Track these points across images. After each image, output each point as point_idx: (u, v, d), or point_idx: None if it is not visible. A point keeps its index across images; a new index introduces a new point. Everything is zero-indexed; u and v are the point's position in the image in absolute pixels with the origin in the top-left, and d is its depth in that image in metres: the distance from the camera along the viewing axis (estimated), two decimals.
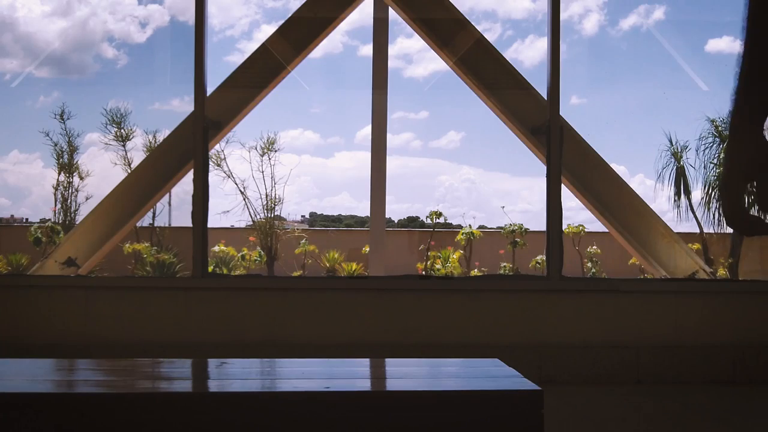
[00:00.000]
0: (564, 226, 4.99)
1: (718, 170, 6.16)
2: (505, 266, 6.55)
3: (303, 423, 1.87)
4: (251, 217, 6.35)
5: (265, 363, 2.80)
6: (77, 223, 5.95)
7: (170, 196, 6.08)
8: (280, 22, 5.40)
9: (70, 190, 6.33)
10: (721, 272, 5.79)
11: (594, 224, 5.91)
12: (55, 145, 6.34)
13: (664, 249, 5.30)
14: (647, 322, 4.65)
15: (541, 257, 6.24)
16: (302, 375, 2.28)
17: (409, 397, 1.96)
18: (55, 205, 6.35)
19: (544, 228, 4.80)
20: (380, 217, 5.69)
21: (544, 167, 4.80)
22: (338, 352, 4.33)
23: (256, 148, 6.30)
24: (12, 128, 7.19)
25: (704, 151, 6.24)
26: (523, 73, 5.28)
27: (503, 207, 7.02)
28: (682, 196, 6.19)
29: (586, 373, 4.58)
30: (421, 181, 8.18)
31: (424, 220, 6.53)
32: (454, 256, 6.41)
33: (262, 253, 6.29)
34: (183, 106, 5.20)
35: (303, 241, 6.47)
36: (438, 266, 6.27)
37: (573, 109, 6.70)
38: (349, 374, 2.42)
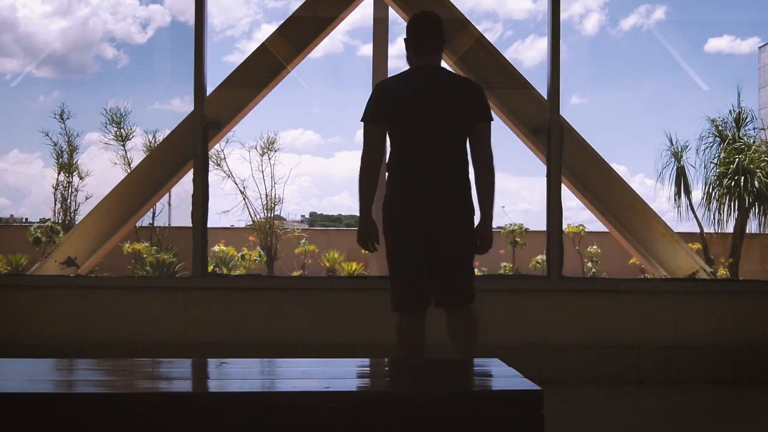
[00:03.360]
0: (564, 226, 4.99)
1: (718, 170, 6.16)
2: (505, 266, 6.55)
3: (303, 423, 1.87)
4: (251, 217, 6.36)
5: (265, 363, 2.80)
6: (77, 222, 5.95)
7: (170, 195, 6.08)
8: (281, 22, 5.39)
9: (69, 190, 6.33)
10: (722, 272, 5.79)
11: (594, 224, 5.91)
12: (55, 144, 6.34)
13: (664, 249, 5.30)
14: (647, 322, 4.65)
15: (541, 257, 6.23)
16: (302, 375, 2.27)
17: (409, 397, 1.95)
18: (55, 205, 6.35)
19: (544, 228, 4.80)
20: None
21: (544, 167, 4.79)
22: (338, 352, 4.32)
23: (256, 148, 6.30)
24: (12, 128, 7.19)
25: (704, 150, 6.24)
26: (524, 73, 5.27)
27: (503, 207, 7.03)
28: (683, 195, 6.19)
29: (586, 373, 4.58)
30: None
31: None
32: None
33: (262, 253, 6.28)
34: (183, 106, 5.19)
35: (303, 241, 6.47)
36: None
37: (573, 109, 6.71)
38: (349, 374, 2.42)
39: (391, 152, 3.39)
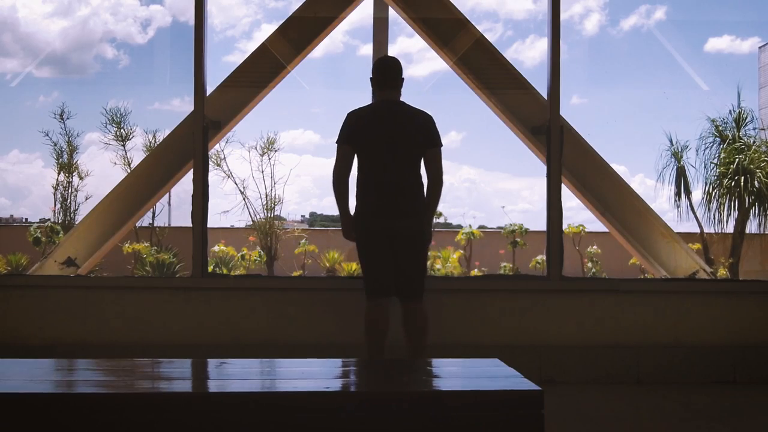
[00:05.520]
0: (564, 226, 4.98)
1: (718, 170, 6.16)
2: (505, 266, 6.55)
3: (303, 423, 1.87)
4: (251, 217, 6.35)
5: (265, 363, 2.80)
6: (77, 223, 5.95)
7: (170, 195, 6.07)
8: (281, 22, 5.39)
9: (69, 190, 6.33)
10: (722, 272, 5.79)
11: (594, 224, 5.90)
12: (55, 144, 6.34)
13: (664, 249, 5.30)
14: (647, 322, 4.65)
15: (541, 257, 6.23)
16: (302, 375, 2.28)
17: (409, 397, 1.95)
18: (55, 205, 6.35)
19: (544, 228, 4.80)
20: None
21: (544, 167, 4.79)
22: (338, 352, 4.32)
23: (256, 148, 6.29)
24: (12, 128, 7.19)
25: (704, 151, 6.23)
26: (524, 73, 5.27)
27: (503, 207, 7.03)
28: (683, 196, 6.18)
29: (586, 373, 4.58)
30: None
31: None
32: (454, 256, 6.41)
33: (262, 253, 6.28)
34: (183, 105, 5.19)
35: (303, 241, 6.46)
36: (438, 266, 6.27)
37: (573, 109, 6.70)
38: (349, 374, 2.42)
39: (359, 170, 4.00)
